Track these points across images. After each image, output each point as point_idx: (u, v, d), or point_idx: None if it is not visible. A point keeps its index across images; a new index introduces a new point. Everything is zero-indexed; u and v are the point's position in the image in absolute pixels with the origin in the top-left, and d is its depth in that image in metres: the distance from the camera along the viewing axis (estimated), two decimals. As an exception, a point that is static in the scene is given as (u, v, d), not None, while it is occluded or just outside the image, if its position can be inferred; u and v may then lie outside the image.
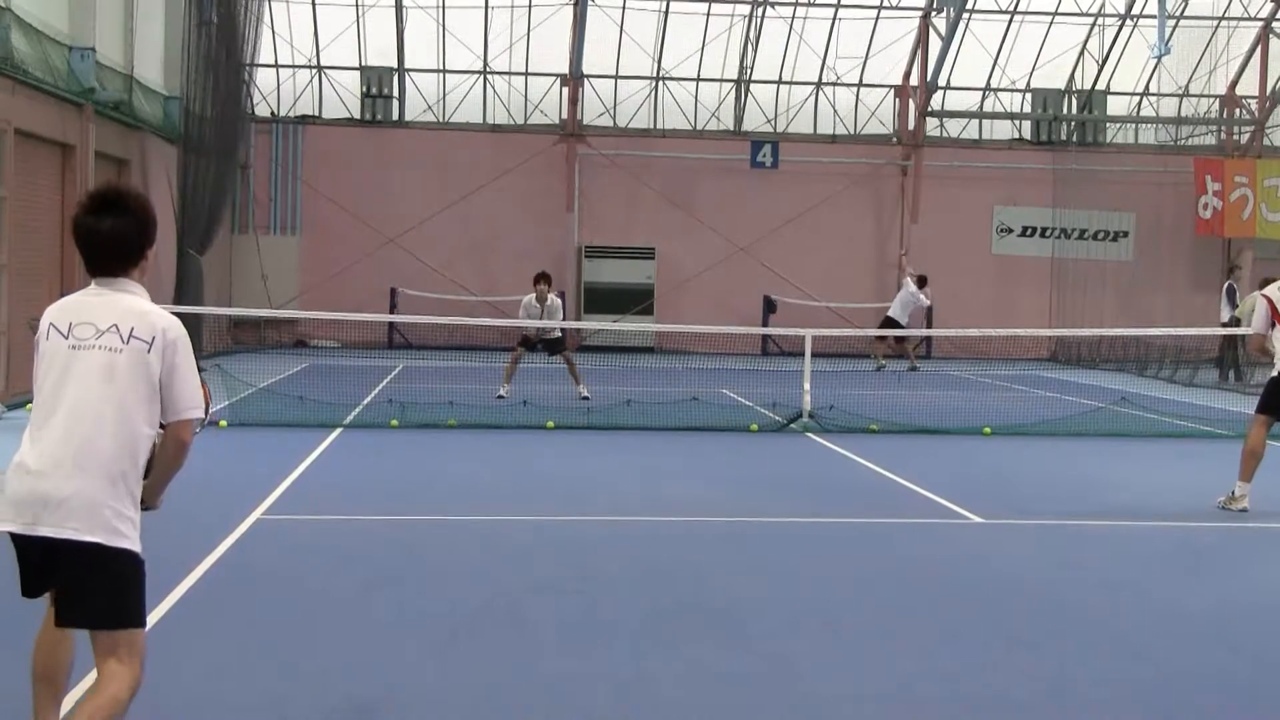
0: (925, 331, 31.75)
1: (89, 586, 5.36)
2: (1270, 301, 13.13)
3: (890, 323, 29.97)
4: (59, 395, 5.48)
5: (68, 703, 5.94)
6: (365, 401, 20.49)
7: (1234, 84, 36.95)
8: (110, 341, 5.47)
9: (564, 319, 23.44)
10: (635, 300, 34.08)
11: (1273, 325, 13.05)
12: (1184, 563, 10.81)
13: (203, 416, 5.70)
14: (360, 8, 34.22)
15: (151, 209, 5.81)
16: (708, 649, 7.91)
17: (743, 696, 7.06)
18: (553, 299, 21.80)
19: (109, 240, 5.60)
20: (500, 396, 20.65)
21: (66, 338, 5.51)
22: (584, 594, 9.20)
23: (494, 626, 8.30)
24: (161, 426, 5.55)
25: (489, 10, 34.25)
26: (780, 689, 7.21)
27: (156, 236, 5.78)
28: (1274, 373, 13.11)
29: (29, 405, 15.64)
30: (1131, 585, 9.94)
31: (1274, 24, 35.61)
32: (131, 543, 5.37)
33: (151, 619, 8.01)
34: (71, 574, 5.36)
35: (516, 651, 7.75)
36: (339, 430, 17.41)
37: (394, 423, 18.07)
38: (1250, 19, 35.77)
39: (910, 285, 30.33)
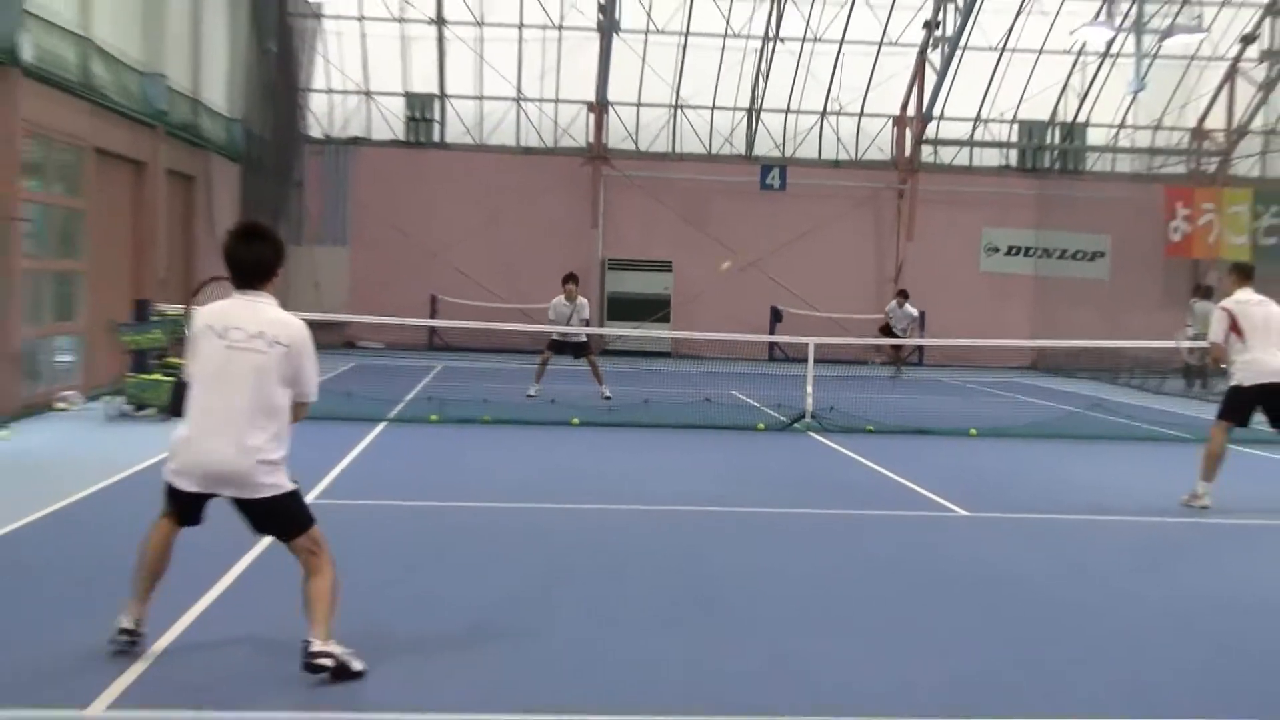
0: (918, 341, 31.72)
1: (268, 521, 6.81)
2: (1229, 313, 13.00)
3: (889, 330, 30.00)
4: (219, 385, 6.64)
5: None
6: (407, 398, 20.57)
7: (1203, 118, 36.88)
8: (258, 345, 6.67)
9: (590, 318, 23.01)
10: (654, 309, 34.11)
11: (1230, 336, 12.97)
12: (1150, 555, 10.84)
13: (315, 399, 7.03)
14: (405, 38, 34.33)
15: (282, 240, 7.17)
16: (717, 630, 7.97)
17: (746, 667, 7.12)
18: (580, 299, 21.71)
19: (253, 263, 6.90)
20: (530, 395, 20.68)
21: (222, 338, 6.67)
22: (605, 578, 9.28)
23: (522, 608, 8.35)
24: None
25: (523, 42, 34.36)
26: (784, 678, 7.27)
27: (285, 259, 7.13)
28: (1233, 381, 13.11)
29: (107, 396, 15.94)
30: (1101, 575, 9.99)
31: (1240, 64, 35.55)
32: (285, 486, 6.74)
33: (214, 592, 8.15)
34: (250, 516, 6.78)
35: (541, 631, 7.79)
36: (383, 424, 17.48)
37: (433, 418, 18.15)
38: (1219, 59, 35.70)
39: (895, 305, 30.18)
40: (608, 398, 20.76)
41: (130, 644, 6.81)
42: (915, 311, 30.54)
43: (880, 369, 30.93)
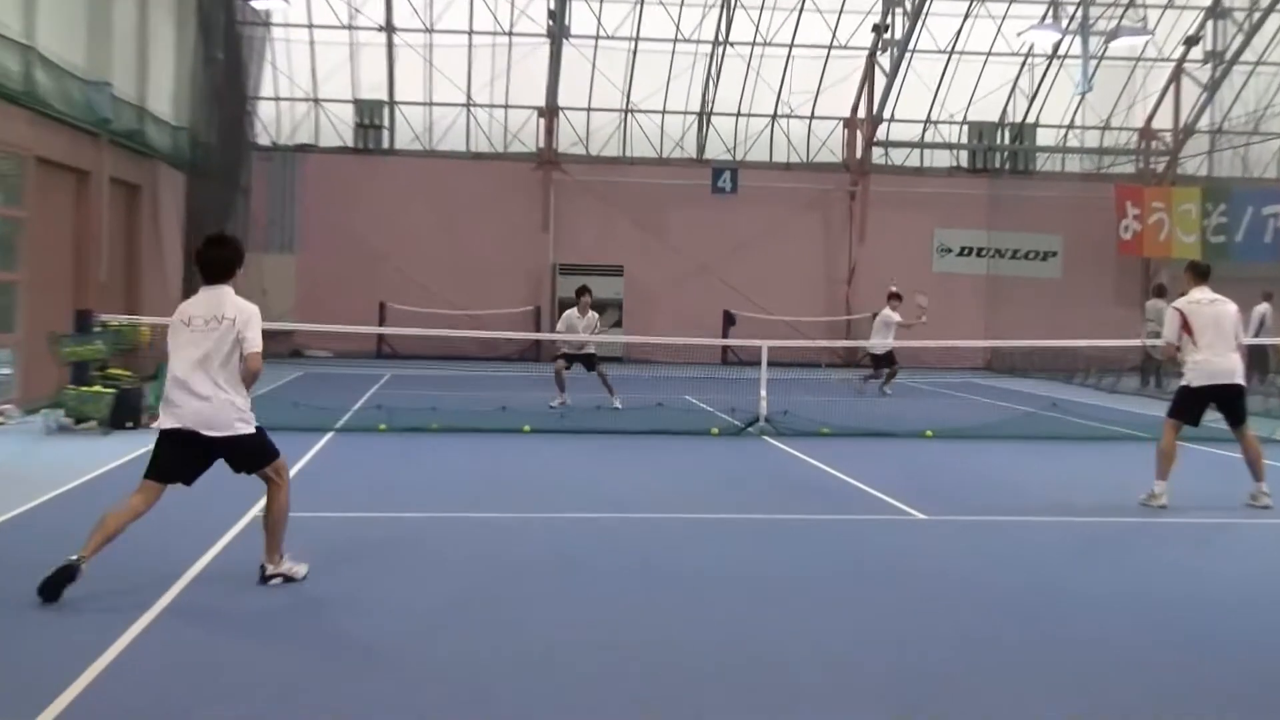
0: (869, 343, 31.48)
1: (238, 457, 8.63)
2: (1181, 313, 12.96)
3: (875, 357, 27.42)
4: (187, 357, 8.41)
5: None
6: (355, 407, 20.37)
7: (1150, 118, 37.16)
8: (213, 325, 8.36)
9: (580, 332, 21.58)
10: (605, 313, 33.88)
11: (1182, 335, 12.91)
12: (1106, 554, 10.70)
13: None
14: (354, 45, 34.10)
15: (242, 246, 8.93)
16: (671, 629, 7.79)
17: (704, 662, 6.94)
18: (592, 314, 21.49)
19: (217, 262, 8.57)
20: (560, 403, 20.71)
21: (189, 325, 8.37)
22: (553, 587, 9.06)
23: (467, 613, 8.19)
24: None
25: (472, 48, 34.19)
26: (737, 653, 7.09)
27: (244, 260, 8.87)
28: (1183, 381, 13.08)
29: (46, 409, 15.85)
30: (1062, 578, 9.77)
31: (1185, 64, 35.81)
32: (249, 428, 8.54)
33: (152, 613, 7.90)
34: (224, 453, 8.55)
35: (483, 637, 7.62)
36: (330, 434, 17.22)
37: (382, 427, 17.92)
38: (1164, 59, 35.99)
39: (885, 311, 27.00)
40: (616, 408, 20.60)
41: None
42: (897, 317, 26.81)
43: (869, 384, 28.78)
